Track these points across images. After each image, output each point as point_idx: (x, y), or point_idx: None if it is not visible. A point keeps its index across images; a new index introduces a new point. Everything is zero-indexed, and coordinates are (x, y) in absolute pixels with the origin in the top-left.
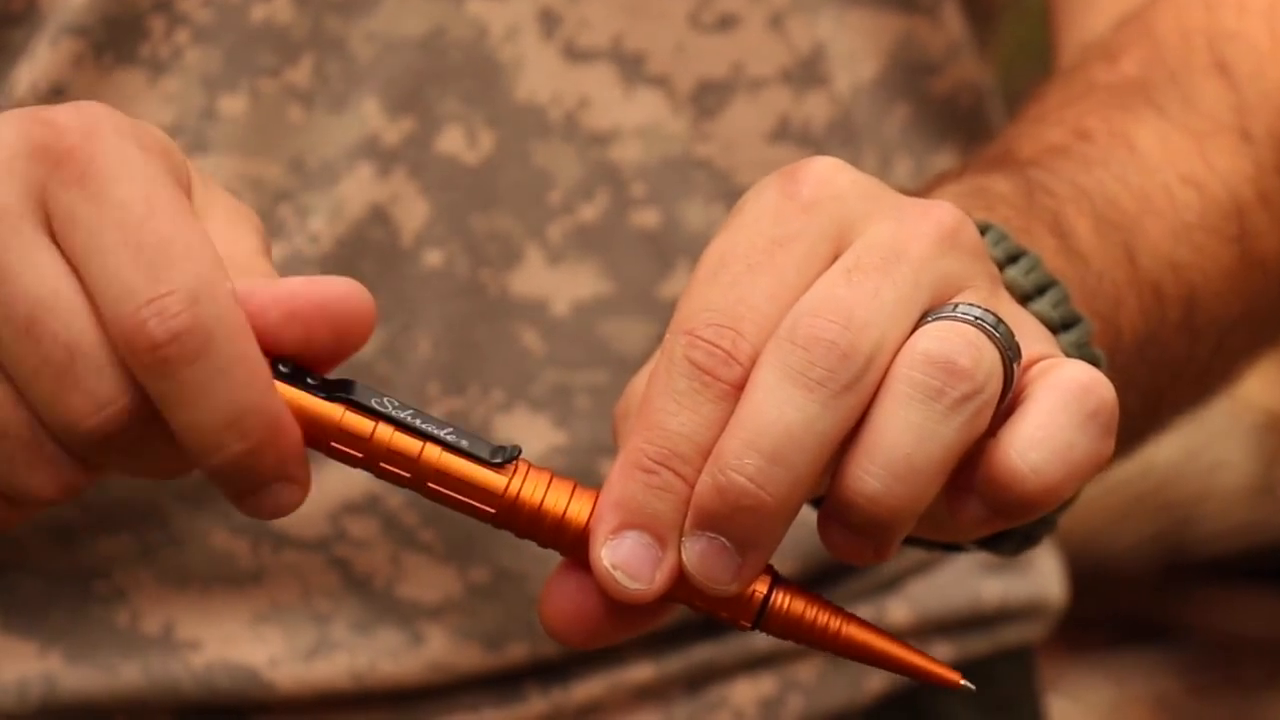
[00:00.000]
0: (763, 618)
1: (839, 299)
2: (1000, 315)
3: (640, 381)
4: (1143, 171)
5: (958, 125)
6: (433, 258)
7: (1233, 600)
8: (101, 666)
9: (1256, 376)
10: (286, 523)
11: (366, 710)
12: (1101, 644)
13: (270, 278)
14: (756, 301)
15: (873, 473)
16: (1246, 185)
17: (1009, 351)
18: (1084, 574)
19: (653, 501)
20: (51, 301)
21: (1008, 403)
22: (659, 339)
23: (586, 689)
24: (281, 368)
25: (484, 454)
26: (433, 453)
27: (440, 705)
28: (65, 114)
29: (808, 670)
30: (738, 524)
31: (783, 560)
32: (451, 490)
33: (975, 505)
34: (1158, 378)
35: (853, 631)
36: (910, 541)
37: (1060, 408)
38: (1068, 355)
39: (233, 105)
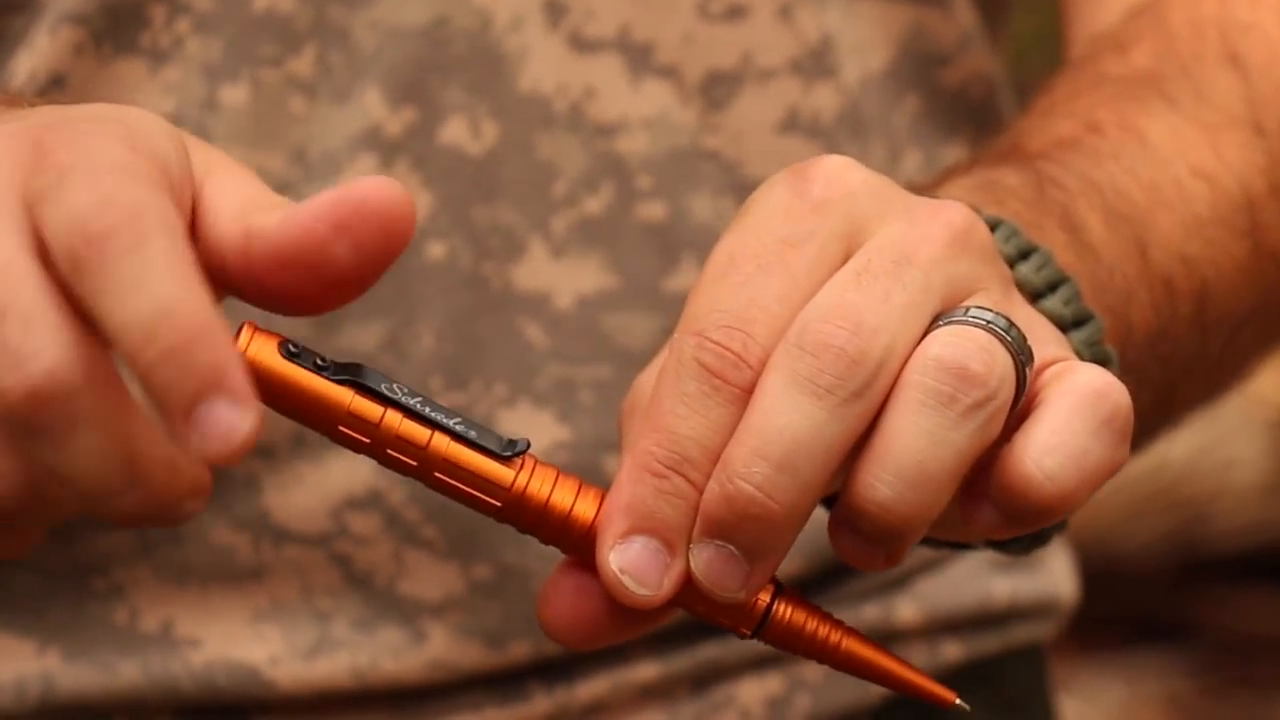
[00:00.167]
0: (763, 627)
1: (849, 304)
2: (1012, 318)
3: (646, 379)
4: (1154, 164)
5: (968, 117)
6: (435, 250)
7: (1246, 599)
8: (100, 665)
9: (1269, 372)
10: (287, 518)
11: (368, 709)
12: (1113, 643)
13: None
14: (767, 302)
15: (885, 480)
16: (1259, 178)
17: (1021, 355)
18: (1096, 572)
19: (662, 507)
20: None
21: (1021, 407)
22: (664, 333)
23: (591, 688)
24: (290, 348)
25: (493, 446)
26: (441, 441)
27: (442, 704)
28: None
29: (815, 669)
30: (745, 532)
31: (789, 559)
32: (458, 481)
33: (988, 511)
34: (1169, 373)
35: (852, 646)
36: (920, 540)
37: (1075, 414)
38: (1079, 353)
39: (234, 95)
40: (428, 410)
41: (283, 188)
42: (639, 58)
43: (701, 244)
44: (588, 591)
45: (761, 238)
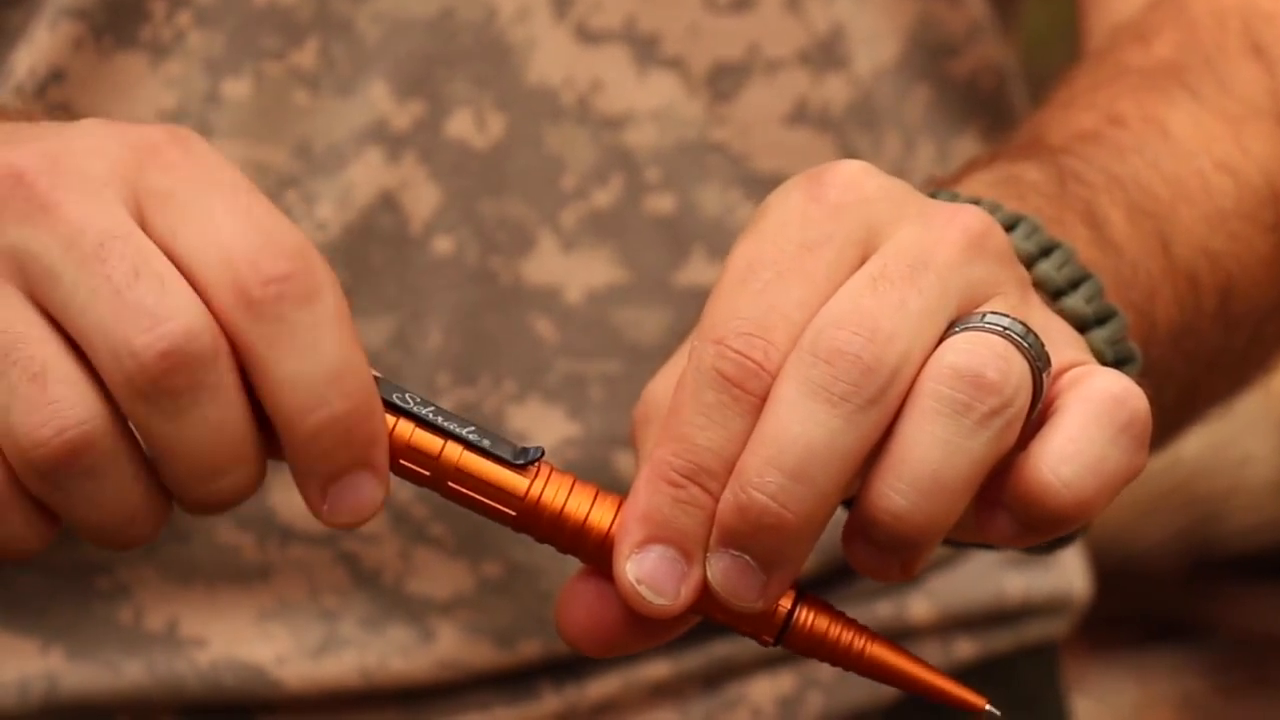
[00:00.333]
0: (785, 634)
1: (864, 310)
2: (1029, 324)
3: (658, 386)
4: (1177, 157)
5: (980, 107)
6: (443, 245)
7: (1261, 598)
8: (104, 664)
9: None
10: (293, 516)
11: (376, 709)
12: (1126, 643)
13: None
14: (788, 309)
15: (899, 490)
16: None
17: (1039, 362)
18: (1109, 571)
19: (679, 516)
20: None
21: (1038, 414)
22: (675, 327)
23: (601, 687)
24: None
25: (506, 455)
26: (453, 451)
27: (451, 703)
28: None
29: (828, 668)
30: (761, 543)
31: None
32: (472, 491)
33: (1005, 519)
34: (1193, 368)
35: (876, 651)
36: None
37: (1092, 420)
38: (1102, 351)
39: (237, 89)
40: (440, 419)
41: (287, 182)
42: (645, 49)
43: (711, 237)
44: (606, 598)
45: (779, 243)
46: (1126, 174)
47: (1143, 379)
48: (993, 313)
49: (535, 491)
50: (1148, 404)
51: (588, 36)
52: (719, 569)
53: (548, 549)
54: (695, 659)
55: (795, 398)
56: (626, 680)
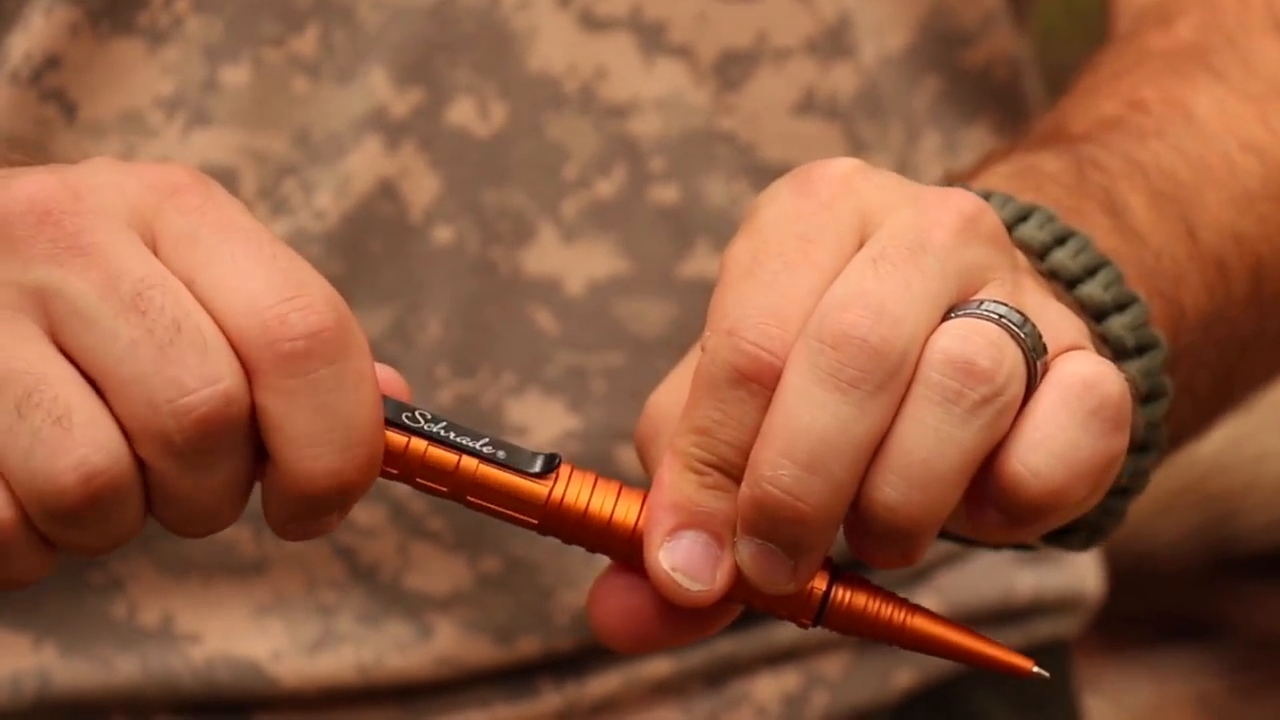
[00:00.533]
0: (823, 614)
1: (868, 292)
2: (1025, 310)
3: (662, 398)
4: (1201, 140)
5: (992, 99)
6: (443, 234)
7: (1278, 596)
8: (98, 660)
9: None
10: None
11: (373, 705)
12: (1141, 642)
13: None
14: (800, 296)
15: (890, 481)
16: None
17: (1034, 351)
18: (1123, 569)
19: (708, 500)
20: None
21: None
22: (677, 320)
23: (602, 684)
24: None
25: (522, 464)
26: (469, 465)
27: (450, 700)
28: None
29: (833, 664)
30: (782, 533)
31: None
32: (491, 503)
33: (993, 513)
34: (1226, 354)
35: (918, 623)
36: (969, 541)
37: (1061, 406)
38: (1123, 338)
39: (235, 76)
40: (453, 435)
41: (286, 171)
42: (651, 37)
43: (716, 228)
44: (638, 591)
45: (780, 236)
46: (1148, 159)
47: (1174, 366)
48: (991, 300)
49: (556, 495)
50: (1123, 385)
51: (593, 24)
52: (747, 555)
53: (547, 544)
54: (698, 656)
55: (804, 386)
56: (627, 678)
